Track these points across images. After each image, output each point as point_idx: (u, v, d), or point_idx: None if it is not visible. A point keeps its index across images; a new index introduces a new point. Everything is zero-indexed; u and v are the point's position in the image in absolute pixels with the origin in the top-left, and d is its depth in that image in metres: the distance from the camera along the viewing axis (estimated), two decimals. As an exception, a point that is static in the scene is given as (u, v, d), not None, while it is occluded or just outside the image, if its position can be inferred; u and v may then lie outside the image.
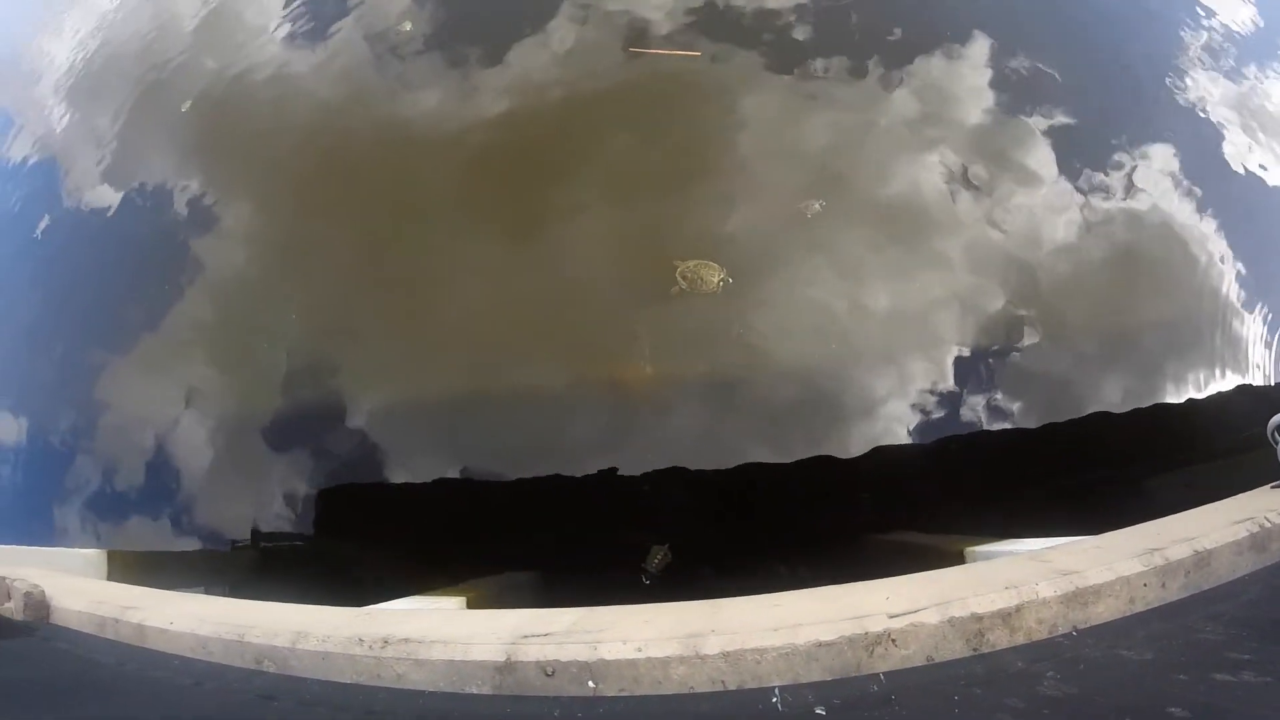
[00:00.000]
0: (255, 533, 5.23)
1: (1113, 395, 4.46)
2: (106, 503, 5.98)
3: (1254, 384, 4.88)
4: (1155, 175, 5.25)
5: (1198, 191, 5.27)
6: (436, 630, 2.74)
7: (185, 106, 6.95)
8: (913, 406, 4.26)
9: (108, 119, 7.95)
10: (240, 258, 6.04)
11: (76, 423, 6.41)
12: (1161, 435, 4.57)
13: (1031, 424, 4.32)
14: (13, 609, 4.48)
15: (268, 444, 5.22)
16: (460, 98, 5.89)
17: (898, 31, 5.68)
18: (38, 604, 4.47)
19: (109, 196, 7.27)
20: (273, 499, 5.12)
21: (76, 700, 3.34)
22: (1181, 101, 5.71)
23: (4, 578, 4.65)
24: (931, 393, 4.29)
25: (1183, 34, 6.10)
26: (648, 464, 4.24)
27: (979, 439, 4.25)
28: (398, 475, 4.77)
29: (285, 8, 7.53)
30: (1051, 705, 2.28)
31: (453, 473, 4.62)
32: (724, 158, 5.02)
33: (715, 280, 4.38)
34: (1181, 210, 5.18)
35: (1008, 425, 4.29)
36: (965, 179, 4.89)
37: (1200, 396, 4.66)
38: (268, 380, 5.33)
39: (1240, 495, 3.84)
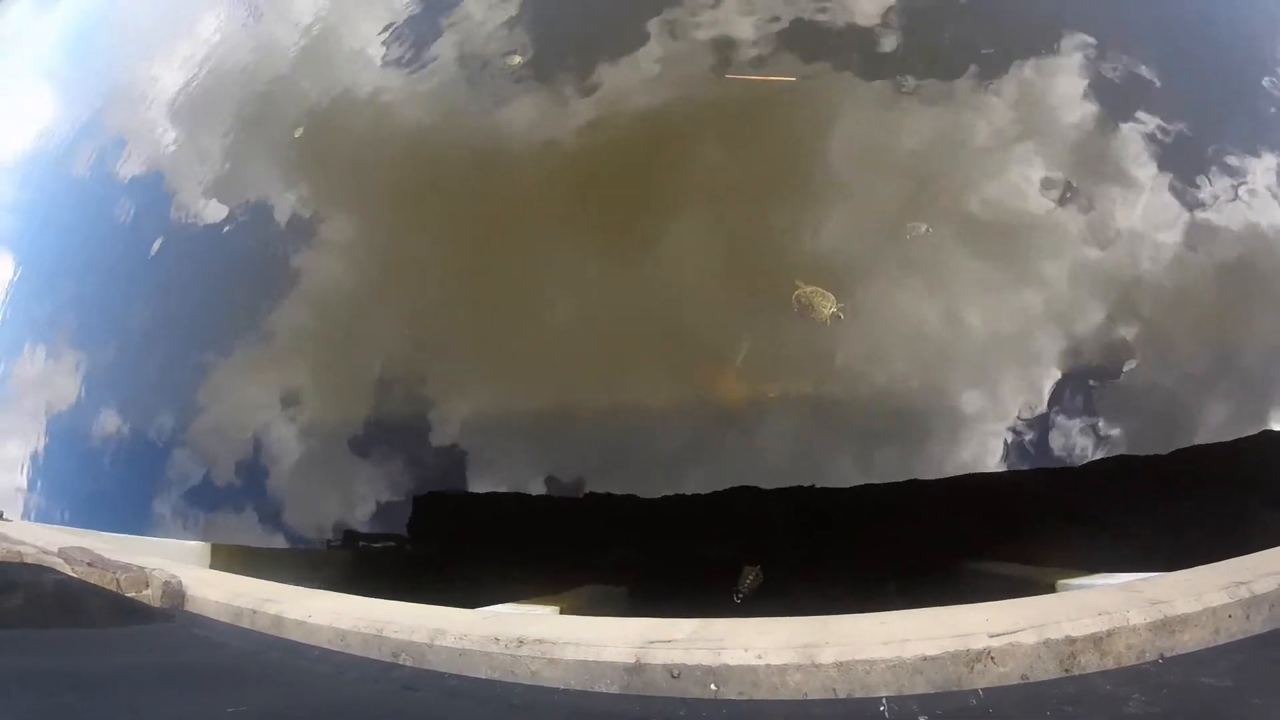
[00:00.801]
0: (349, 534, 5.57)
1: (1221, 421, 4.36)
2: (211, 497, 6.43)
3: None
4: (1266, 184, 5.07)
5: None
6: (569, 633, 3.03)
7: (298, 133, 7.45)
8: (1012, 432, 4.29)
9: (215, 139, 8.58)
10: (342, 271, 6.47)
11: (183, 421, 6.85)
12: (1264, 466, 4.47)
13: (1134, 451, 4.28)
14: (150, 595, 4.81)
15: (363, 450, 5.58)
16: (556, 116, 6.20)
17: (990, 41, 5.74)
18: (175, 592, 4.79)
19: (216, 212, 7.83)
20: (367, 503, 5.47)
21: (222, 685, 3.57)
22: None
23: (141, 567, 5.01)
24: (1031, 419, 4.31)
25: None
26: (742, 482, 4.42)
27: (1079, 467, 4.26)
28: (491, 484, 5.03)
29: (381, 33, 8.06)
30: None
31: (545, 485, 4.86)
32: (820, 174, 5.17)
33: (828, 311, 4.54)
34: None
35: (1108, 452, 4.27)
36: (1064, 192, 4.87)
37: None
38: (366, 389, 5.69)
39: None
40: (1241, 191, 4.95)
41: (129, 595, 4.72)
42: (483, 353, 5.33)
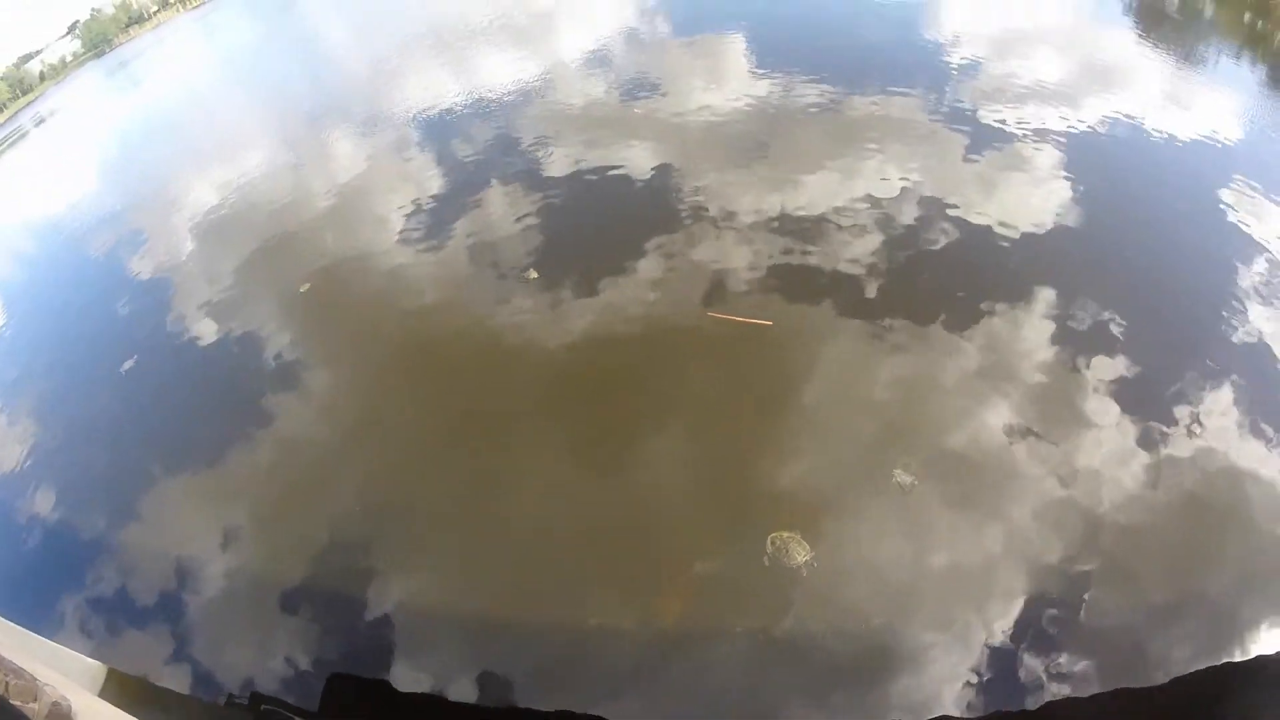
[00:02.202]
0: (255, 695, 5.32)
1: (1184, 654, 4.40)
2: (121, 615, 6.17)
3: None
4: (1220, 418, 5.32)
5: (1267, 429, 5.25)
6: None
7: (304, 289, 7.99)
8: (969, 673, 4.30)
9: (228, 264, 9.11)
10: (313, 422, 6.60)
11: (114, 526, 6.65)
12: (1233, 699, 4.48)
13: (1097, 689, 4.30)
14: (36, 711, 4.49)
15: (290, 609, 5.40)
16: (553, 324, 6.69)
17: (962, 291, 6.32)
18: (62, 716, 4.53)
19: (209, 332, 8.17)
20: (280, 666, 5.24)
21: None
22: (1239, 339, 5.86)
23: (34, 678, 4.66)
24: (990, 659, 4.33)
25: (1237, 268, 6.44)
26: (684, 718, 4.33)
27: (1041, 709, 4.23)
28: (412, 678, 4.77)
29: (403, 209, 8.84)
30: None
31: (474, 689, 4.69)
32: (796, 414, 5.50)
33: (801, 559, 4.63)
34: (1252, 452, 5.17)
35: (1070, 691, 4.12)
36: (1032, 433, 5.15)
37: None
38: (309, 548, 5.64)
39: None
40: (1199, 429, 5.25)
41: (14, 703, 4.45)
42: (436, 538, 5.36)
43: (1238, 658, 4.45)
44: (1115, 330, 5.97)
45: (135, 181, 10.95)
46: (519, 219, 8.28)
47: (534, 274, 7.31)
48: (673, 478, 5.37)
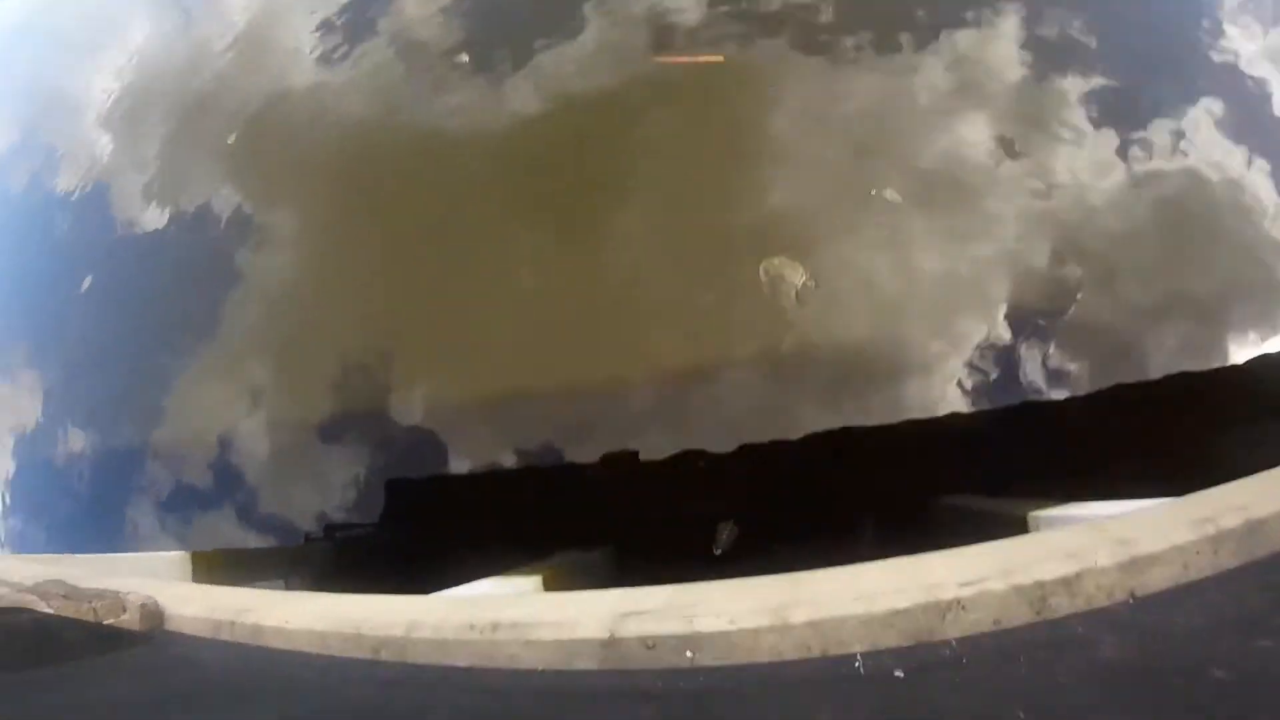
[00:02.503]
0: (328, 526, 5.53)
1: (1171, 354, 4.50)
2: (184, 506, 6.35)
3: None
4: (1201, 129, 5.24)
5: (1245, 143, 5.24)
6: (542, 613, 3.01)
7: (231, 139, 7.25)
8: (970, 374, 4.40)
9: (151, 146, 8.35)
10: (291, 267, 6.35)
11: (148, 432, 6.77)
12: (1221, 394, 4.61)
13: (1093, 386, 4.41)
14: (129, 620, 4.71)
15: (332, 441, 5.53)
16: (496, 102, 6.15)
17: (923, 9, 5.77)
18: (153, 614, 4.70)
19: (156, 219, 7.67)
20: (341, 493, 5.43)
21: (203, 705, 3.52)
22: (1217, 58, 5.67)
23: (116, 591, 4.89)
24: (990, 360, 4.42)
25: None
26: (711, 442, 4.44)
27: (1039, 404, 4.37)
28: (462, 464, 5.02)
29: (315, 29, 7.83)
30: (1109, 668, 2.48)
31: (516, 459, 4.86)
32: (767, 144, 5.17)
33: (799, 281, 4.55)
34: (1233, 161, 5.17)
35: (1068, 388, 4.39)
36: (1012, 147, 5.00)
37: (1263, 354, 4.66)
38: (327, 381, 5.62)
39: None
40: (1178, 138, 5.16)
41: (107, 623, 4.62)
42: (440, 336, 5.30)
43: (1217, 360, 4.61)
44: (1088, 42, 5.57)
45: (25, 104, 9.85)
46: (439, 6, 7.26)
47: (464, 57, 6.65)
48: (655, 231, 5.18)
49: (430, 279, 5.59)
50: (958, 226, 4.67)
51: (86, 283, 7.85)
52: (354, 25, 7.55)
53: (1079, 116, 5.15)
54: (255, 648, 4.04)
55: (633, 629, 2.80)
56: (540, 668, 2.97)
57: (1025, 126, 5.08)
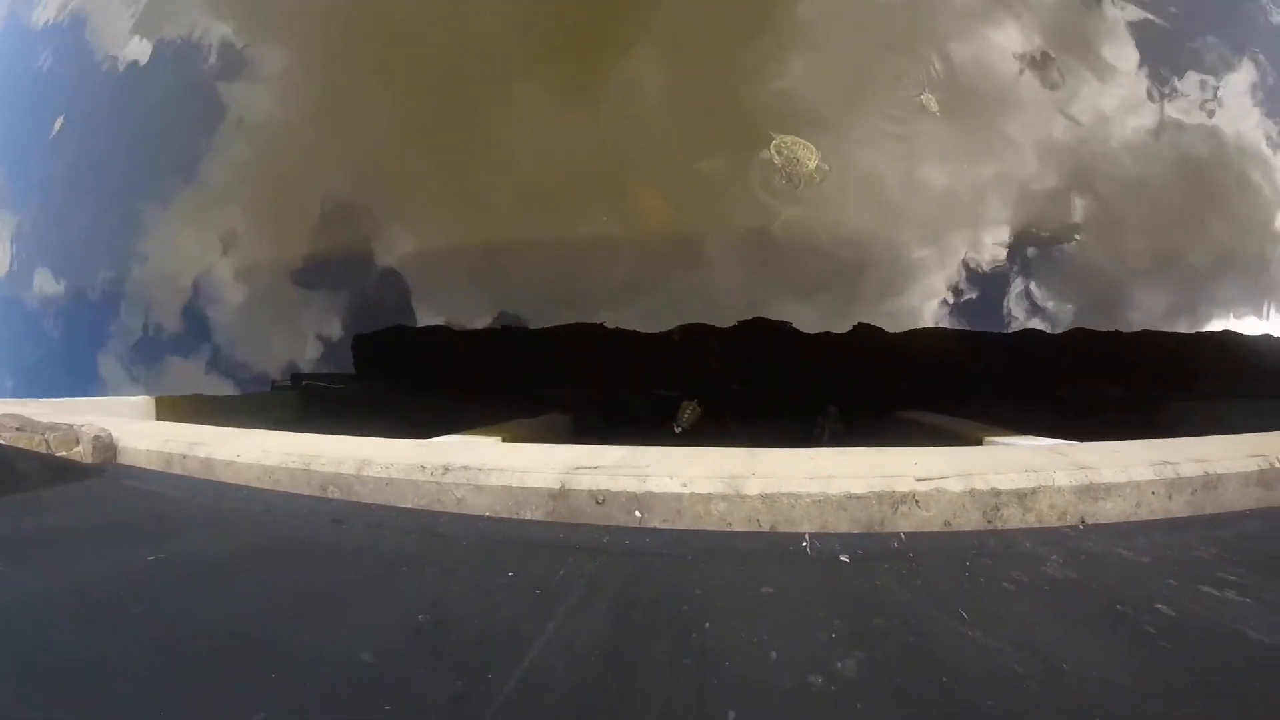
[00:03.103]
0: (296, 375, 5.42)
1: (1156, 311, 4.46)
2: (152, 351, 6.18)
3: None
4: (1239, 95, 5.04)
5: (1275, 120, 5.08)
6: (495, 460, 2.97)
7: None
8: (953, 292, 4.32)
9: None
10: (279, 105, 6.00)
11: (119, 276, 6.52)
12: (1199, 362, 4.61)
13: (1071, 326, 4.37)
14: (81, 452, 4.69)
15: (307, 288, 5.35)
16: None
17: None
18: (105, 446, 4.69)
19: (139, 50, 7.18)
20: (313, 341, 5.29)
21: (151, 534, 3.42)
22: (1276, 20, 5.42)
23: (70, 425, 4.86)
24: (975, 281, 4.35)
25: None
26: (688, 320, 4.33)
27: (1015, 334, 4.33)
28: (435, 318, 4.87)
29: None
30: (1052, 585, 2.46)
31: (493, 319, 4.72)
32: (788, 19, 4.89)
33: (812, 164, 4.36)
34: (1262, 138, 5.01)
35: (1048, 325, 4.35)
36: (1043, 64, 4.77)
37: (1244, 332, 4.64)
38: (307, 226, 5.40)
39: (1260, 434, 3.97)
40: (1214, 97, 4.97)
41: (59, 454, 4.59)
42: (428, 189, 5.07)
43: (1203, 326, 4.59)
44: None
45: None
46: None
47: None
48: (662, 93, 4.94)
49: (423, 128, 5.29)
50: (971, 140, 4.50)
51: (59, 123, 7.49)
52: None
53: (1119, 51, 4.90)
54: (206, 481, 4.00)
55: (585, 483, 2.77)
56: (487, 514, 2.94)
57: (1061, 49, 4.80)
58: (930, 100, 4.48)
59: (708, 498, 2.66)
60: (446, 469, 2.98)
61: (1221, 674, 1.84)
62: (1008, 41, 4.74)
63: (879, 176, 4.35)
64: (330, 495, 3.37)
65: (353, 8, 5.86)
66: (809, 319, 4.24)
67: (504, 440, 3.89)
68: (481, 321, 4.66)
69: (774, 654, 1.94)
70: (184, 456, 4.20)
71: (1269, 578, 2.52)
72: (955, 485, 2.81)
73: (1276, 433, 3.96)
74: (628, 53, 4.88)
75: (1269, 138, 5.01)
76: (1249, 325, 4.71)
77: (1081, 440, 3.70)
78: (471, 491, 2.92)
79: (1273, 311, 4.76)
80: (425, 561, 2.70)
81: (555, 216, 4.69)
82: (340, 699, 1.76)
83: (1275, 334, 4.74)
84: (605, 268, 4.51)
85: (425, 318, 4.83)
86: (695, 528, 2.70)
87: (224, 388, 5.62)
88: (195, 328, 5.82)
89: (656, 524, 2.72)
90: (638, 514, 2.71)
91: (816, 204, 4.33)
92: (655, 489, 2.69)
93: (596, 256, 4.52)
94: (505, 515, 2.89)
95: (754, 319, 4.26)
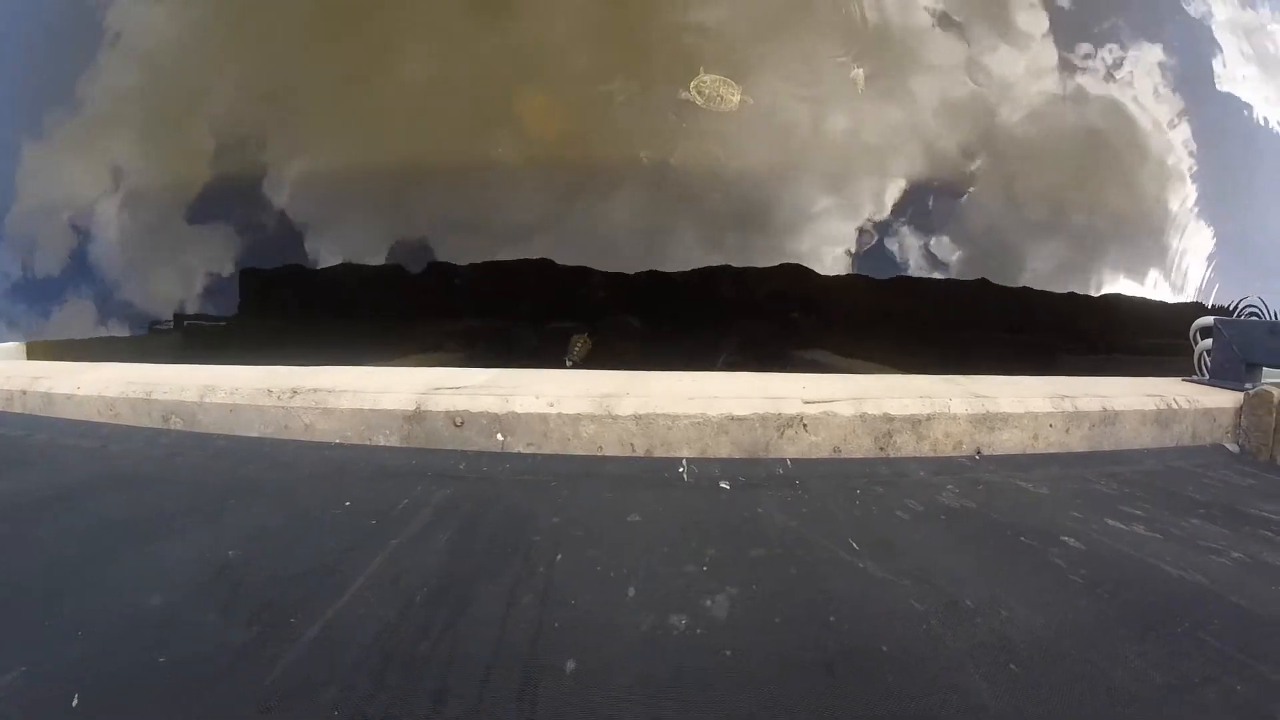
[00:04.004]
0: (177, 315, 4.98)
1: (1050, 267, 4.51)
2: (31, 293, 5.63)
3: (1187, 293, 5.04)
4: (1143, 71, 5.16)
5: (1179, 99, 5.23)
6: (348, 381, 2.67)
7: None
8: (854, 237, 4.24)
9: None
10: (161, 20, 5.46)
11: None
12: (1091, 316, 4.67)
13: (969, 275, 4.35)
14: None
15: (198, 220, 4.88)
16: None
17: None
18: None
19: None
20: (198, 281, 4.85)
21: None
22: (1189, 10, 5.60)
23: None
24: (876, 225, 4.26)
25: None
26: (579, 254, 4.11)
27: (915, 280, 4.28)
28: (323, 252, 4.53)
29: None
30: (949, 514, 2.32)
31: (387, 254, 4.40)
32: None
33: (735, 99, 4.16)
34: (1159, 111, 5.14)
35: (945, 273, 4.31)
36: (952, 25, 4.72)
37: (1134, 291, 4.75)
38: (199, 155, 4.91)
39: (1155, 378, 3.99)
40: (1118, 70, 5.03)
41: None
42: (328, 111, 4.61)
43: (1083, 287, 4.62)
44: None
45: None
46: None
47: None
48: (573, 12, 4.59)
49: (322, 50, 4.82)
50: (884, 89, 4.36)
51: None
52: None
53: (1033, 18, 4.88)
54: (44, 418, 3.58)
55: (443, 404, 2.49)
56: (338, 440, 2.64)
57: (976, 12, 4.74)
58: (859, 76, 4.32)
59: (576, 418, 2.42)
60: (294, 393, 2.67)
61: (1140, 609, 1.70)
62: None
63: (788, 118, 4.17)
64: (173, 426, 3.01)
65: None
66: (708, 253, 4.04)
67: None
68: (373, 255, 4.29)
69: (632, 590, 1.71)
70: (24, 393, 3.75)
71: (1176, 514, 2.44)
72: (846, 410, 2.64)
73: (1171, 379, 4.00)
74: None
75: (1172, 112, 5.11)
76: (1135, 288, 4.82)
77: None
78: (320, 416, 2.61)
79: (1159, 277, 4.88)
80: (260, 493, 2.40)
81: (453, 141, 4.32)
82: (112, 650, 1.46)
83: (1159, 299, 4.86)
84: (504, 197, 4.19)
85: (316, 252, 4.43)
86: (563, 452, 2.46)
87: (102, 330, 5.09)
88: (78, 268, 5.26)
89: (520, 448, 2.47)
90: (500, 437, 2.45)
91: (719, 138, 4.11)
92: (519, 409, 2.43)
93: (495, 184, 4.19)
94: (357, 441, 2.60)
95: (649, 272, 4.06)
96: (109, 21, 5.45)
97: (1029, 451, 3.06)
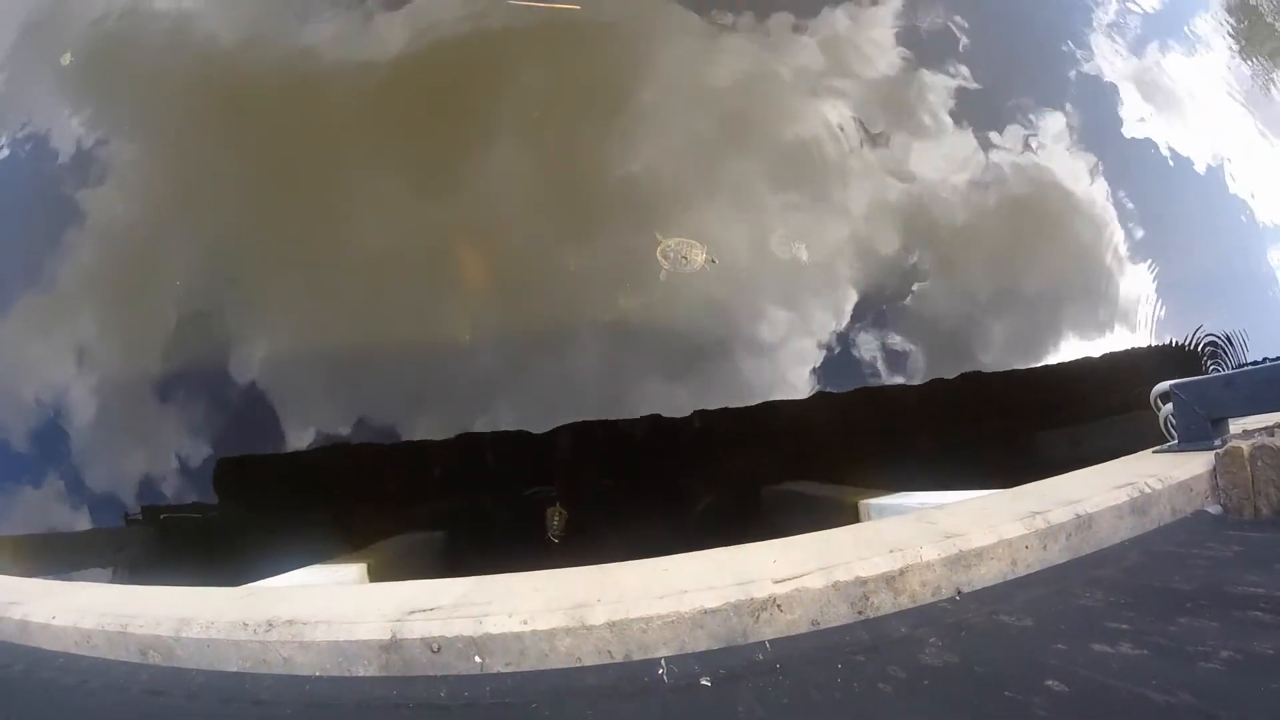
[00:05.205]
0: (149, 508, 4.96)
1: (1003, 350, 4.65)
2: None
3: (1139, 345, 5.19)
4: (1053, 137, 5.46)
5: (1093, 155, 5.53)
6: (322, 609, 2.67)
7: (65, 59, 6.37)
8: (813, 357, 4.36)
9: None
10: (127, 206, 5.61)
11: None
12: (1049, 392, 4.79)
13: (923, 378, 4.48)
14: None
15: (157, 409, 4.93)
16: (359, 37, 5.56)
17: None
18: None
19: None
20: (171, 469, 4.86)
21: None
22: (1084, 69, 5.95)
23: None
24: (828, 345, 4.40)
25: (1090, 3, 6.33)
26: (547, 422, 4.19)
27: (873, 392, 4.39)
28: (294, 439, 4.57)
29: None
30: (932, 674, 2.33)
31: (349, 434, 4.47)
32: (633, 104, 4.94)
33: (701, 259, 4.37)
34: (1077, 171, 5.41)
35: (901, 379, 4.43)
36: (866, 130, 4.97)
37: (1087, 355, 4.90)
38: (156, 338, 5.01)
39: (1122, 459, 4.02)
40: (1032, 142, 5.36)
41: None
42: (287, 288, 4.76)
43: (1042, 358, 4.85)
44: (961, 41, 5.68)
45: None
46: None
47: None
48: (518, 183, 4.89)
49: (279, 227, 5.00)
50: (815, 209, 4.57)
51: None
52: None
53: (941, 110, 5.22)
54: (21, 647, 3.53)
55: (418, 630, 2.50)
56: (316, 674, 2.62)
57: (888, 115, 5.04)
58: (801, 250, 4.58)
59: (551, 634, 2.43)
60: (270, 625, 2.66)
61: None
62: (836, 113, 4.90)
63: (729, 255, 4.38)
64: (150, 660, 2.99)
65: (197, 97, 5.54)
66: (674, 402, 4.15)
67: (369, 566, 3.60)
68: (344, 433, 4.37)
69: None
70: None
71: (1159, 616, 2.45)
72: (817, 581, 2.66)
73: (1137, 455, 4.03)
74: (479, 142, 4.78)
75: (1089, 168, 5.45)
76: (1091, 347, 4.97)
77: (953, 485, 3.66)
78: (297, 650, 2.60)
79: (1108, 330, 5.04)
80: (240, 737, 2.38)
81: (410, 313, 4.49)
82: None
83: (1115, 350, 5.02)
84: (464, 367, 4.33)
85: (284, 434, 4.51)
86: (541, 668, 2.46)
87: (71, 524, 5.06)
88: (34, 461, 5.26)
89: (499, 668, 2.47)
90: (478, 660, 2.45)
91: (670, 289, 4.30)
92: (494, 630, 2.44)
93: (457, 356, 4.34)
94: (336, 674, 2.58)
95: (617, 418, 4.16)
96: (74, 202, 5.62)
97: (1010, 578, 3.07)
